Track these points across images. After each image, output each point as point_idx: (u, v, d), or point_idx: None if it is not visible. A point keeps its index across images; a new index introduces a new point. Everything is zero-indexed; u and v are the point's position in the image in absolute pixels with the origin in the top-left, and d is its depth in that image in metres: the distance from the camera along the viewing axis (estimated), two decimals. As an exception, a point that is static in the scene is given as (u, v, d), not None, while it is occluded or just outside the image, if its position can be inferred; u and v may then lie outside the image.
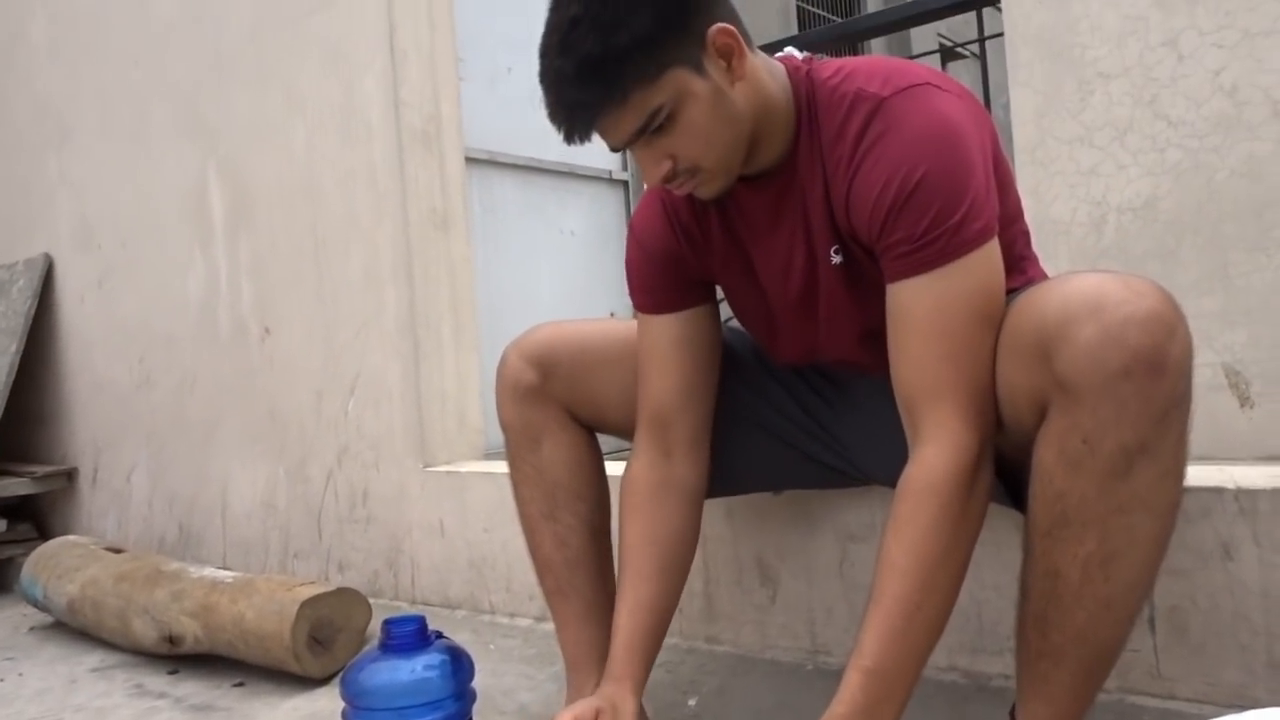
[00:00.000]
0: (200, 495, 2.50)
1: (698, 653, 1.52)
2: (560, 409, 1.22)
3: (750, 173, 1.03)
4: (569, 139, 0.94)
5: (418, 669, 0.97)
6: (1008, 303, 0.94)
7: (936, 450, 0.89)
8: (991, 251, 0.92)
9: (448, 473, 1.93)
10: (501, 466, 1.86)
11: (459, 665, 1.00)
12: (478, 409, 2.07)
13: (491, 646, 1.71)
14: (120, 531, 2.76)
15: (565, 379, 1.22)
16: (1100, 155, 1.40)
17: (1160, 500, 0.83)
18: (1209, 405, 1.24)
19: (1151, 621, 1.14)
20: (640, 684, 1.09)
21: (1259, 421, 1.25)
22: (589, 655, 1.18)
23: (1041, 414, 0.86)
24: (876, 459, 1.19)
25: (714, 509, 1.49)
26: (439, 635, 1.03)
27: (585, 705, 1.03)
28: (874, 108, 0.95)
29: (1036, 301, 0.87)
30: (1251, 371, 1.25)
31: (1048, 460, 0.84)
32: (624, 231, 2.92)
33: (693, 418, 1.15)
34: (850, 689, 0.87)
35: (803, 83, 1.01)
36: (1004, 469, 0.96)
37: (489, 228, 2.48)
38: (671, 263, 1.13)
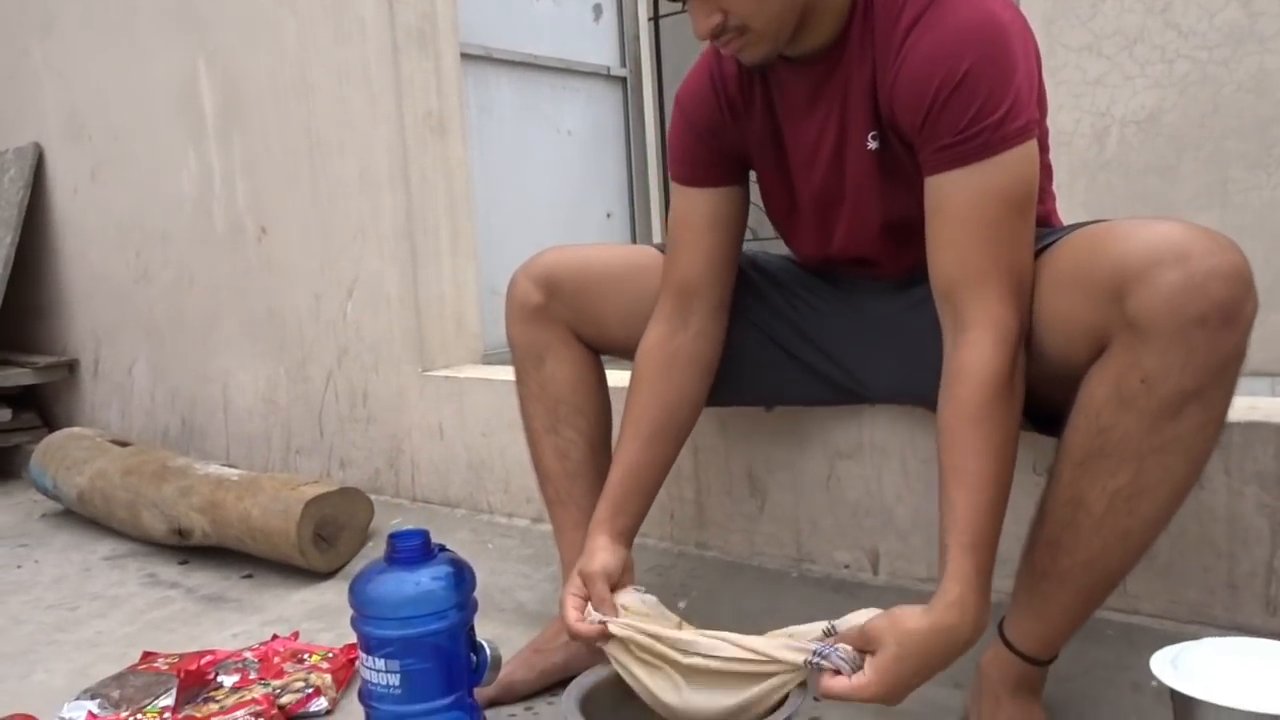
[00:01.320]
0: (202, 391, 2.54)
1: (688, 557, 1.58)
2: (564, 328, 1.27)
3: (796, 53, 1.05)
4: None
5: (423, 581, 1.02)
6: (1041, 242, 0.96)
7: (982, 333, 0.91)
8: (1030, 149, 0.94)
9: (446, 377, 1.96)
10: (499, 373, 1.90)
11: (461, 578, 1.04)
12: (475, 314, 2.09)
13: (490, 545, 1.77)
14: (124, 423, 2.80)
15: (568, 299, 1.26)
16: (1107, 65, 1.37)
17: (1199, 446, 0.86)
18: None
19: (1122, 542, 1.19)
20: (623, 535, 1.11)
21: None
22: None
23: (1097, 350, 0.88)
24: (869, 365, 1.23)
25: (707, 421, 1.53)
26: (442, 548, 1.07)
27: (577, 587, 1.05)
28: (928, 1, 0.96)
29: (1113, 240, 0.88)
30: (1238, 301, 1.27)
31: (1099, 394, 0.87)
32: (622, 131, 2.88)
33: (716, 291, 1.19)
34: (960, 567, 0.85)
35: None
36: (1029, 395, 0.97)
37: (484, 128, 2.44)
38: (713, 135, 1.16)
